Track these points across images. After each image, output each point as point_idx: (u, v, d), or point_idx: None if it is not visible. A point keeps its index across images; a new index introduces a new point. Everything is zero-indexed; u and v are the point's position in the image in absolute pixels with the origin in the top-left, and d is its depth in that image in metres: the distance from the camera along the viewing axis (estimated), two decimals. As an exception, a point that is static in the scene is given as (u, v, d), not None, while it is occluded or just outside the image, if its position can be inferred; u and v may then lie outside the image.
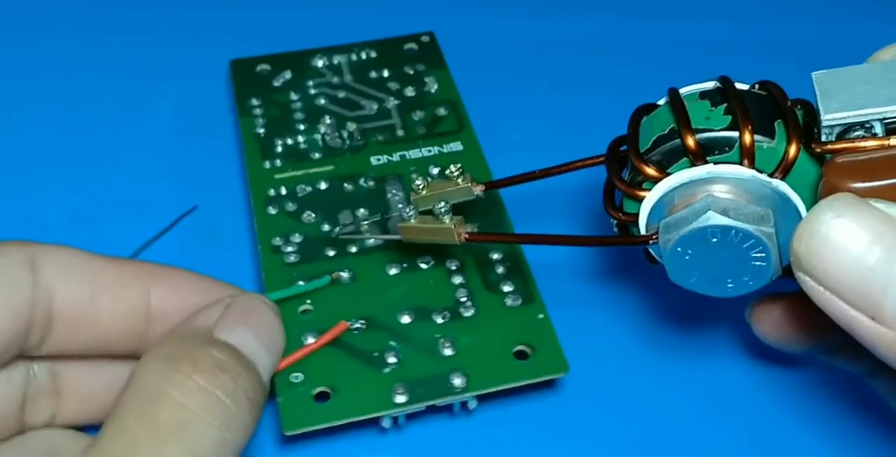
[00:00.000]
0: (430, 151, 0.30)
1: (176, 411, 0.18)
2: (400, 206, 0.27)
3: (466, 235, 0.23)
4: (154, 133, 0.33)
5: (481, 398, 0.23)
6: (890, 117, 0.18)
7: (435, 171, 0.29)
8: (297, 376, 0.23)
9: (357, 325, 0.24)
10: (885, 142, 0.18)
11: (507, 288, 0.25)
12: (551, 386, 0.25)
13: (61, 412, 0.23)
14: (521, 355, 0.24)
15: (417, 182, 0.23)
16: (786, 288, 0.22)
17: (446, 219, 0.23)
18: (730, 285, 0.20)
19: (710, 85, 0.21)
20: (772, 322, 0.23)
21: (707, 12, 0.37)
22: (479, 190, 0.23)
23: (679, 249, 0.19)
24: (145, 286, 0.22)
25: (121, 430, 0.18)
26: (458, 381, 0.23)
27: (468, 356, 0.24)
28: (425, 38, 0.34)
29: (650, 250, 0.21)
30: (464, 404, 0.24)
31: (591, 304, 0.27)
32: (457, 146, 0.30)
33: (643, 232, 0.21)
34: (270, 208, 0.28)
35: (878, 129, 0.18)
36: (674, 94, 0.20)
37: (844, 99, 0.18)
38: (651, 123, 0.21)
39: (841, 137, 0.18)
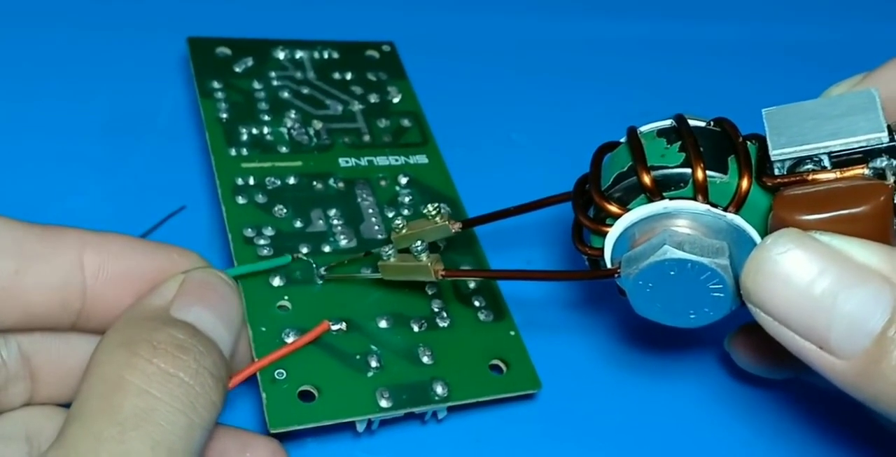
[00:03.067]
0: (396, 159, 0.30)
1: (138, 399, 0.18)
2: (374, 219, 0.27)
3: (443, 273, 0.23)
4: (108, 119, 0.31)
5: (451, 408, 0.24)
6: (835, 151, 0.18)
7: (404, 180, 0.29)
8: (281, 373, 0.22)
9: (337, 327, 0.24)
10: (833, 174, 0.18)
11: (477, 303, 0.26)
12: (522, 398, 0.26)
13: (39, 393, 0.21)
14: (495, 369, 0.24)
15: (397, 222, 0.24)
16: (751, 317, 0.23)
17: (423, 257, 0.23)
18: (692, 316, 0.21)
19: (666, 123, 0.21)
20: (751, 351, 0.24)
21: (661, 9, 0.38)
22: (456, 228, 0.24)
23: (640, 282, 0.20)
24: (76, 255, 0.21)
25: (83, 425, 0.17)
26: (439, 390, 0.23)
27: (447, 366, 0.24)
28: (386, 48, 0.34)
29: (618, 283, 0.22)
30: (434, 413, 0.24)
31: (562, 327, 0.28)
32: (422, 159, 0.30)
33: (609, 266, 0.22)
34: (239, 198, 0.27)
35: (826, 162, 0.19)
36: (631, 133, 0.22)
37: (791, 134, 0.19)
38: (612, 161, 0.22)
39: (792, 170, 0.19)
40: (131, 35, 0.34)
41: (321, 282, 0.25)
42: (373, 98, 0.32)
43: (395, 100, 0.32)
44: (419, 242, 0.23)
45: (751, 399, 0.26)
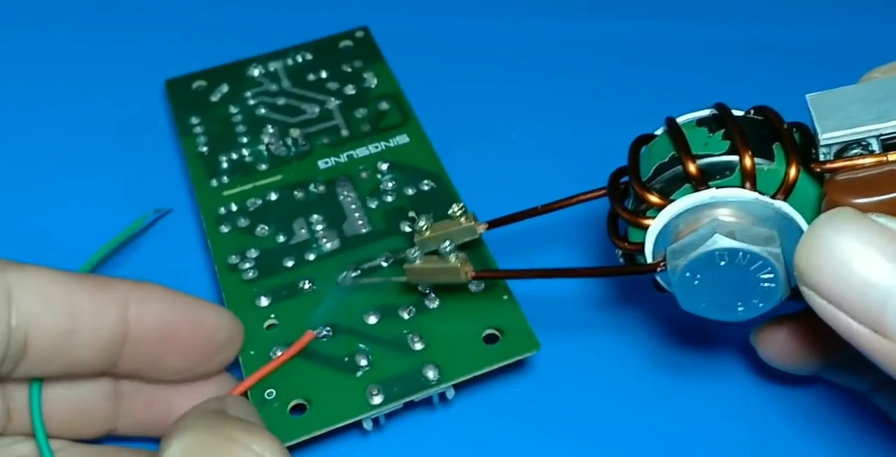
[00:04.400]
0: (376, 147, 0.29)
1: None
2: (357, 214, 0.27)
3: (473, 273, 0.23)
4: (96, 155, 0.32)
5: (458, 388, 0.23)
6: (886, 134, 0.18)
7: (384, 166, 0.29)
8: (270, 393, 0.23)
9: (323, 333, 0.24)
10: (883, 158, 0.18)
11: (472, 287, 0.25)
12: (527, 372, 0.25)
13: (12, 428, 0.22)
14: (491, 339, 0.24)
15: (421, 223, 0.23)
16: (787, 310, 0.22)
17: (452, 258, 0.23)
18: (740, 309, 0.20)
19: (706, 112, 0.21)
20: (777, 345, 0.23)
21: (646, 6, 0.37)
22: (482, 229, 0.23)
23: (688, 274, 0.19)
24: (123, 309, 0.21)
25: None
26: (431, 374, 0.23)
27: (438, 348, 0.24)
28: (360, 34, 0.34)
29: (658, 279, 0.21)
30: (442, 396, 0.23)
31: (582, 326, 0.27)
32: (403, 139, 0.30)
33: (650, 260, 0.21)
34: (223, 227, 0.27)
35: (875, 145, 0.18)
36: (671, 123, 0.21)
37: (840, 118, 0.18)
38: (650, 152, 0.21)
39: (839, 155, 0.19)
40: (113, 65, 0.36)
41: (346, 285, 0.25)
42: (349, 89, 0.32)
43: (373, 85, 0.32)
44: (447, 243, 0.23)
45: (778, 396, 0.25)
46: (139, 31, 0.37)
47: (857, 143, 0.18)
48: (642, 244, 0.21)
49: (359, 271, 0.25)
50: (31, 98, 0.34)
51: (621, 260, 0.22)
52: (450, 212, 0.24)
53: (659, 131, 0.21)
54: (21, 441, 0.22)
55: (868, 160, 0.18)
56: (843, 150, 0.18)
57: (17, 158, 0.32)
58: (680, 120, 0.21)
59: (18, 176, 0.32)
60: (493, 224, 0.23)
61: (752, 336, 0.23)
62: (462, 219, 0.23)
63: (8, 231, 0.29)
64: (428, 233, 0.23)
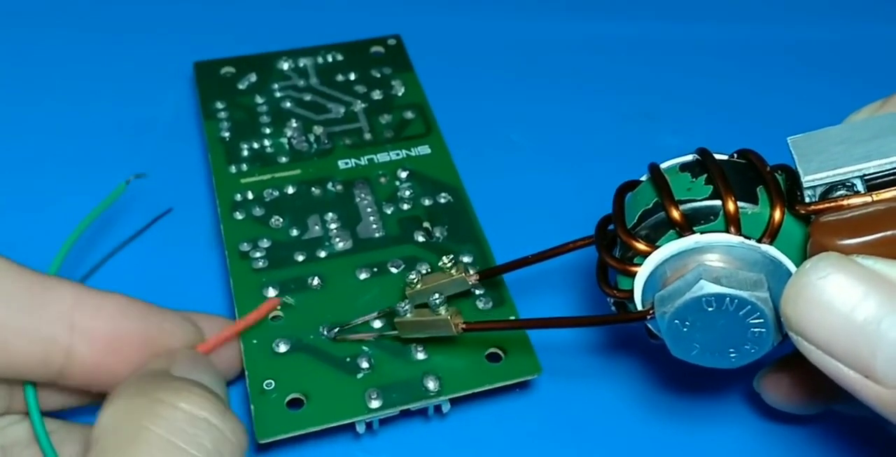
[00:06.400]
0: (397, 154, 0.30)
1: (161, 453, 0.17)
2: (372, 218, 0.27)
3: (463, 326, 0.22)
4: (120, 136, 0.32)
5: (455, 401, 0.23)
6: (869, 174, 0.18)
7: (404, 174, 0.29)
8: (269, 383, 0.23)
9: (289, 300, 0.24)
10: (869, 198, 0.18)
11: (478, 291, 0.25)
12: (526, 388, 0.25)
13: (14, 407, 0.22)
14: (493, 358, 0.24)
15: (412, 276, 0.23)
16: (786, 351, 0.22)
17: (442, 310, 0.23)
18: (732, 355, 0.20)
19: (689, 158, 0.21)
20: (784, 390, 0.23)
21: (674, 11, 0.38)
22: (473, 280, 0.23)
23: (676, 321, 0.19)
24: (66, 312, 0.20)
25: None
26: (431, 385, 0.23)
27: (441, 360, 0.24)
28: (392, 42, 0.34)
29: (649, 326, 0.21)
30: (437, 408, 0.24)
31: (586, 372, 0.27)
32: (424, 150, 0.30)
33: (639, 307, 0.21)
34: (237, 214, 0.27)
35: (860, 186, 0.18)
36: (654, 169, 0.21)
37: (822, 160, 0.18)
38: (635, 199, 0.21)
39: (824, 197, 0.18)
40: (143, 48, 0.36)
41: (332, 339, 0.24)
42: (376, 95, 0.32)
43: (400, 93, 0.32)
44: (437, 295, 0.23)
45: (784, 437, 0.25)
46: (174, 18, 0.37)
47: (842, 184, 0.18)
48: (631, 292, 0.20)
49: (347, 325, 0.24)
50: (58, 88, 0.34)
51: (613, 308, 0.22)
52: (440, 263, 0.23)
53: (644, 177, 0.21)
54: (17, 423, 0.22)
55: (853, 201, 0.18)
56: (828, 191, 0.18)
57: (32, 149, 0.32)
58: (663, 166, 0.21)
59: (35, 167, 0.31)
60: (483, 275, 0.23)
61: (756, 382, 0.23)
62: (453, 271, 0.23)
63: (17, 222, 0.29)
64: (419, 286, 0.23)
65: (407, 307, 0.23)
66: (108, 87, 0.34)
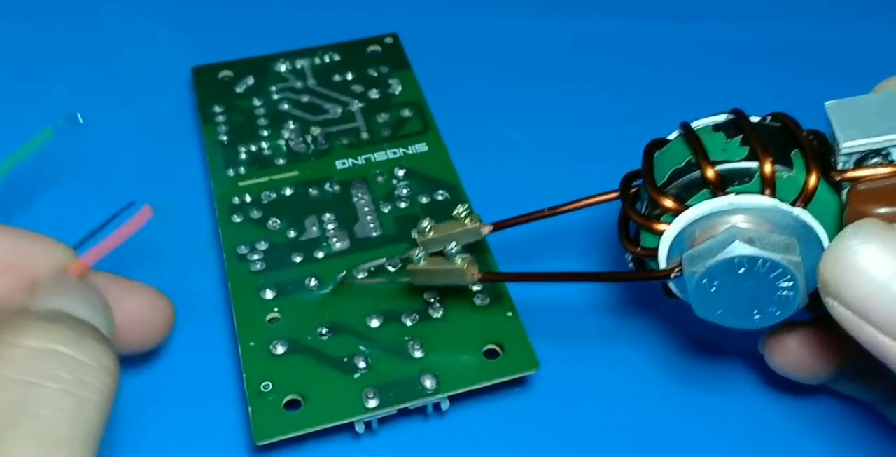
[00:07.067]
0: (395, 152, 0.30)
1: (7, 392, 0.16)
2: (369, 217, 0.27)
3: (479, 276, 0.22)
4: (118, 139, 0.32)
5: (454, 399, 0.23)
6: None
7: (401, 172, 0.29)
8: (267, 385, 0.23)
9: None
10: None
11: (475, 287, 0.25)
12: (525, 385, 0.25)
13: None
14: (491, 354, 0.24)
15: (424, 224, 0.23)
16: (796, 317, 0.21)
17: (458, 259, 0.22)
18: (756, 317, 0.20)
19: (721, 118, 0.21)
20: (787, 354, 0.22)
21: (669, 8, 0.38)
22: (486, 231, 0.23)
23: (705, 281, 0.19)
24: None
25: None
26: (428, 383, 0.23)
27: (438, 358, 0.24)
28: (388, 40, 0.34)
29: (670, 285, 0.21)
30: (437, 406, 0.23)
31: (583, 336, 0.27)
32: (422, 147, 0.30)
33: (663, 266, 0.20)
34: (235, 217, 0.27)
35: (895, 155, 0.18)
36: (687, 128, 0.21)
37: (860, 127, 0.18)
38: (664, 157, 0.21)
39: (858, 164, 0.18)
40: (140, 52, 0.36)
41: (332, 287, 0.25)
42: (373, 94, 0.32)
43: (397, 91, 0.32)
44: (453, 244, 0.22)
45: (785, 406, 0.25)
46: (172, 21, 0.37)
47: (877, 152, 0.18)
48: (655, 250, 0.20)
49: (365, 273, 0.25)
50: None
51: (631, 265, 0.22)
52: (454, 213, 0.23)
53: (673, 136, 0.21)
54: None
55: (888, 169, 0.18)
56: (862, 159, 0.18)
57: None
58: (695, 125, 0.21)
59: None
60: (497, 226, 0.23)
61: (761, 344, 0.23)
62: (467, 220, 0.23)
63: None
64: (431, 234, 0.23)
65: (421, 255, 0.23)
66: (107, 91, 0.34)
